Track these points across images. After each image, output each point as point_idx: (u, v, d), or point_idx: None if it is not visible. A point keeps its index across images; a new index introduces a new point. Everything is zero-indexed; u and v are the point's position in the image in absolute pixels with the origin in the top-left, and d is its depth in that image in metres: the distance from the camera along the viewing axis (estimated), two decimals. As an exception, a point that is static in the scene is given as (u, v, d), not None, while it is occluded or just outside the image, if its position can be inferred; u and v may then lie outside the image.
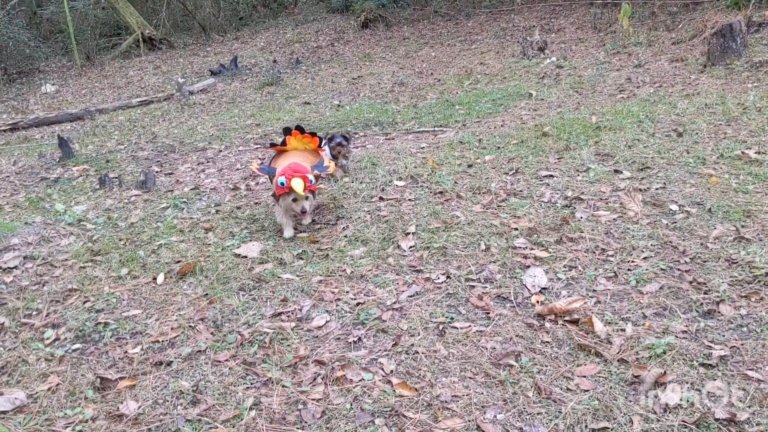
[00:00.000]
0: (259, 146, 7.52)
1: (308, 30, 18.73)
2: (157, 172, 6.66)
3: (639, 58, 9.75)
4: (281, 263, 4.13)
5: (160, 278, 4.03)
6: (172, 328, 3.45)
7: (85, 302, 3.81)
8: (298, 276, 3.94)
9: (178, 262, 4.24)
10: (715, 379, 2.73)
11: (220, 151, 7.45)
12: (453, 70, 11.61)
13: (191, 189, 5.95)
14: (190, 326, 3.45)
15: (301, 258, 4.20)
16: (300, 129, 4.86)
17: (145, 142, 8.27)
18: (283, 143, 4.87)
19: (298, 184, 4.29)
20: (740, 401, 2.60)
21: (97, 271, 4.24)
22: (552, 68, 10.05)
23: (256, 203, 5.35)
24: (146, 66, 16.68)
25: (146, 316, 3.63)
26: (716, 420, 2.49)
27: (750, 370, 2.78)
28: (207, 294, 3.79)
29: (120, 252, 4.51)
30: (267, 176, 4.91)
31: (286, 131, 4.87)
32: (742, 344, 2.95)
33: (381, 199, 5.05)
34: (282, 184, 4.32)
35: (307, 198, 4.40)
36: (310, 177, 4.40)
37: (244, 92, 11.88)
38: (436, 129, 7.38)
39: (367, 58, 14.26)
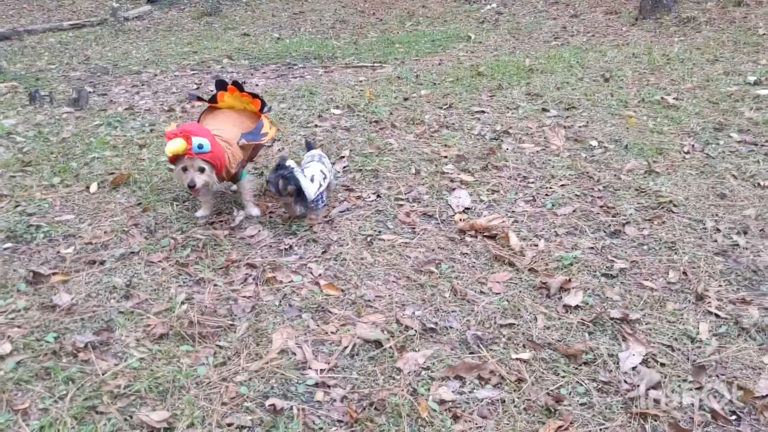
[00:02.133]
0: (195, 72, 7.44)
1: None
2: (90, 92, 6.52)
3: (575, 9, 10.00)
4: (216, 178, 4.21)
5: (93, 187, 4.05)
6: (105, 232, 3.51)
7: (16, 206, 3.80)
8: (232, 191, 4.03)
9: (112, 173, 4.26)
10: (614, 287, 3.01)
11: (156, 75, 7.34)
12: (395, 11, 11.60)
13: (125, 109, 5.88)
14: (124, 231, 3.52)
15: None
16: (237, 85, 3.83)
17: (77, 63, 8.03)
18: (213, 99, 3.86)
19: (173, 144, 3.28)
20: (634, 305, 2.88)
21: (27, 180, 4.21)
22: (492, 14, 10.19)
23: (192, 124, 5.35)
24: (78, -10, 15.96)
25: (79, 221, 3.67)
26: (611, 319, 2.77)
27: (646, 280, 3.07)
28: (141, 203, 3.85)
29: (51, 164, 4.48)
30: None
31: (220, 85, 3.82)
32: (641, 259, 3.24)
33: (317, 126, 5.14)
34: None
35: (202, 170, 3.37)
36: (205, 143, 3.31)
37: (181, 21, 11.58)
38: (375, 64, 7.46)
39: (310, -5, 14.05)
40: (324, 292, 2.99)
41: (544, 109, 5.43)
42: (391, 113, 5.37)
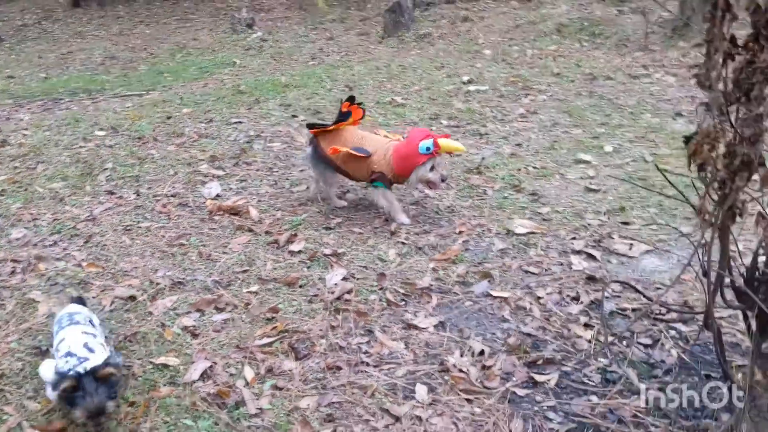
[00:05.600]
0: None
1: (11, 9, 17.56)
2: None
3: (332, 33, 11.08)
4: (-20, 199, 4.48)
5: None
6: None
7: None
8: (-4, 207, 4.33)
9: None
10: (330, 235, 3.80)
11: None
12: (166, 45, 12.01)
13: None
14: None
15: (1, 195, 4.57)
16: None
17: None
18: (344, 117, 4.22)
19: (451, 142, 3.91)
20: (344, 245, 3.68)
21: None
22: (257, 42, 10.98)
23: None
24: None
25: None
26: (324, 255, 3.54)
27: (356, 228, 3.90)
28: None
29: None
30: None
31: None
32: (355, 215, 4.08)
33: (81, 147, 5.52)
34: (428, 149, 3.74)
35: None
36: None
37: (-64, 68, 11.11)
38: (142, 92, 7.89)
39: (79, 35, 13.97)
40: (86, 271, 3.47)
41: (293, 116, 6.23)
42: (153, 130, 5.88)
